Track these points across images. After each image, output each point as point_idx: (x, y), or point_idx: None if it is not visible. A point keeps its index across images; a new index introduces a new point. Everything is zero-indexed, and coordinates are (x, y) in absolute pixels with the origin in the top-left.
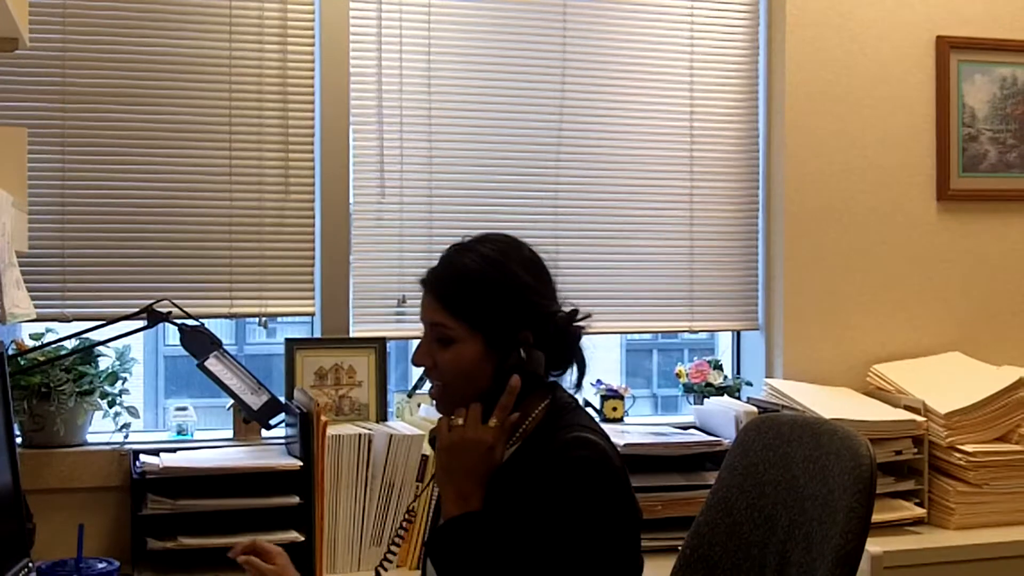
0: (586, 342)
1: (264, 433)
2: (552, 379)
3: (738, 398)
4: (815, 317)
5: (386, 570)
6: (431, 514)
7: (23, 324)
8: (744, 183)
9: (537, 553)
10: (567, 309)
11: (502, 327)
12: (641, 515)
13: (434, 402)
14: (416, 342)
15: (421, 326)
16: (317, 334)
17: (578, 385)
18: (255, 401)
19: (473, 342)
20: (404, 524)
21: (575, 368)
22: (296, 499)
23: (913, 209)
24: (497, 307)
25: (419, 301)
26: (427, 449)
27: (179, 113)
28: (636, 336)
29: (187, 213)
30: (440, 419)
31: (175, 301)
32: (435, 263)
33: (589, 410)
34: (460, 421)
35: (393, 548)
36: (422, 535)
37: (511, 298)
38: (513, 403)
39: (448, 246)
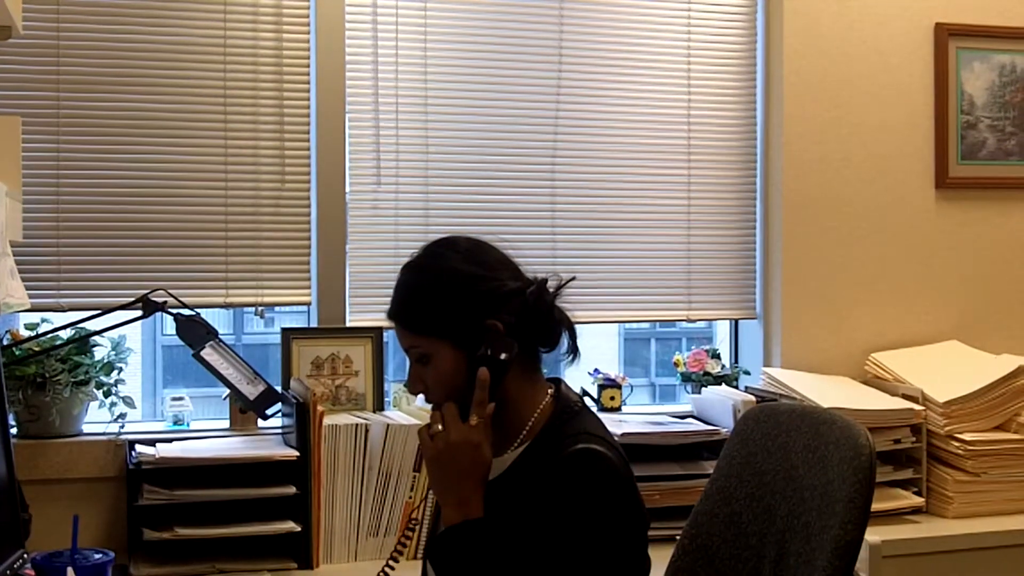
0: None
1: (260, 423)
2: (556, 360)
3: (736, 387)
4: (813, 306)
5: None
6: (432, 518)
7: (18, 314)
8: (742, 171)
9: (543, 566)
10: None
11: (461, 325)
12: (649, 523)
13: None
14: None
15: None
16: (314, 323)
17: (573, 350)
18: (251, 391)
19: (444, 350)
20: (407, 533)
21: (567, 336)
22: (293, 489)
23: (911, 197)
24: (448, 309)
25: None
26: None
27: (174, 102)
28: (634, 325)
29: (182, 202)
30: (420, 430)
31: (171, 291)
32: None
33: (587, 400)
34: (440, 427)
35: (396, 555)
36: (417, 530)
37: (455, 294)
38: (487, 396)
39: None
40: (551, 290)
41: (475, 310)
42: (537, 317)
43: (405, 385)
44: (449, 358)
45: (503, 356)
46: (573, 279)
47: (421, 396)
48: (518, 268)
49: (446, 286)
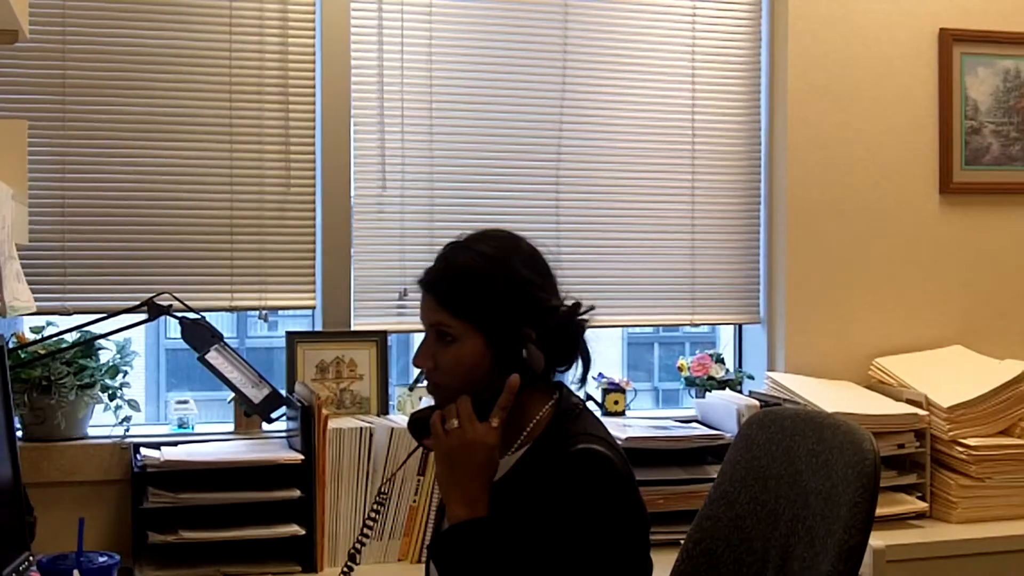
0: (589, 335)
1: (265, 426)
2: (558, 375)
3: (740, 391)
4: (817, 310)
5: (359, 552)
6: (436, 518)
7: (24, 317)
8: (746, 176)
9: (546, 566)
10: (570, 303)
11: (503, 324)
12: (650, 524)
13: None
14: (418, 335)
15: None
16: (318, 327)
17: (583, 380)
18: (256, 394)
19: (474, 340)
20: (376, 507)
21: (580, 362)
22: (297, 493)
23: (915, 202)
24: (498, 304)
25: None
26: None
27: (179, 105)
28: (637, 329)
29: (188, 206)
30: (432, 420)
31: (176, 294)
32: (433, 261)
33: (591, 404)
34: (455, 423)
35: (366, 531)
36: (421, 534)
37: (512, 295)
38: (512, 402)
39: (445, 245)
40: (579, 315)
41: (519, 314)
42: (564, 337)
43: (414, 363)
44: (476, 350)
45: (533, 366)
46: (592, 308)
47: (425, 399)
48: (557, 284)
49: (504, 283)
